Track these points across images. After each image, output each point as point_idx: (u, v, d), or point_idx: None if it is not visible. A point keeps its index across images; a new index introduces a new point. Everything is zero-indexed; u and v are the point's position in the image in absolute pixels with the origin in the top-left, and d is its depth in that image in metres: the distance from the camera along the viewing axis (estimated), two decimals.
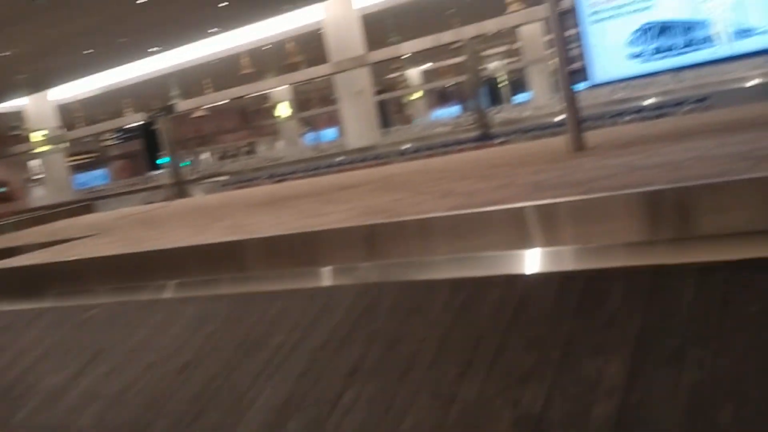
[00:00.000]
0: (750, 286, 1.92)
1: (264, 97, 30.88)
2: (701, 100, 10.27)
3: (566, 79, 4.29)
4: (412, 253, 2.80)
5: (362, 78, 18.45)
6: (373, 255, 2.90)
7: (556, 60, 4.31)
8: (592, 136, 5.37)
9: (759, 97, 10.97)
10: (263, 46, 23.35)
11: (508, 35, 27.45)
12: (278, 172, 15.51)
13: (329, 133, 36.71)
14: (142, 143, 30.53)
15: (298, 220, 3.65)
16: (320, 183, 6.81)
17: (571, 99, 4.31)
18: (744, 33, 3.75)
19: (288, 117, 31.42)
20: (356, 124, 18.89)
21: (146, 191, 19.76)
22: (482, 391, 2.01)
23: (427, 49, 16.51)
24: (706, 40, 3.85)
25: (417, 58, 32.57)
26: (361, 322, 2.50)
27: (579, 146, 4.40)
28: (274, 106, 31.26)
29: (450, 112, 37.43)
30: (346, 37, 18.70)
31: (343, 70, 16.87)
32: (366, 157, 13.83)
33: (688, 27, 3.87)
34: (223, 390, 2.52)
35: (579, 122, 4.42)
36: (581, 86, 4.36)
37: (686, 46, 3.90)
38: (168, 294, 3.46)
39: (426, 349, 2.25)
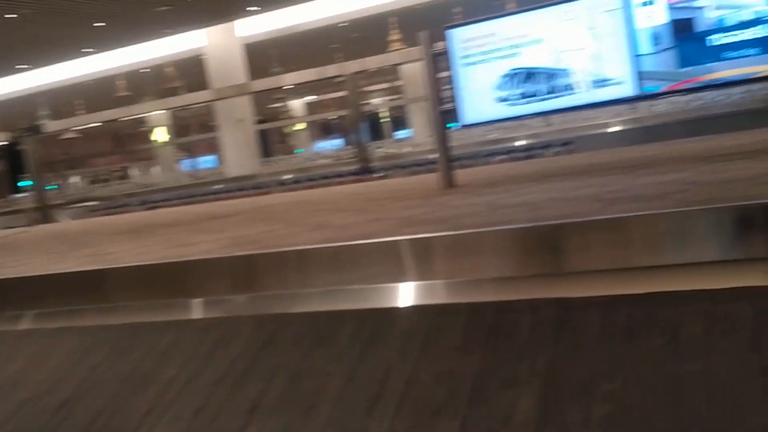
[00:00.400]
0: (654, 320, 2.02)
1: (141, 121, 29.92)
2: (567, 143, 10.89)
3: (438, 119, 4.44)
4: (289, 284, 2.78)
5: (244, 106, 18.29)
6: (247, 286, 2.86)
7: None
8: (463, 175, 5.57)
9: (619, 142, 11.77)
10: (141, 69, 22.69)
11: (391, 73, 28.08)
12: (152, 199, 15.00)
13: (208, 161, 35.98)
14: (5, 164, 28.68)
15: (164, 250, 3.54)
16: (194, 211, 6.65)
17: (442, 138, 4.46)
18: (601, 83, 4.02)
19: (165, 142, 30.56)
20: (236, 152, 18.65)
21: (6, 215, 18.54)
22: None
23: (311, 82, 16.63)
24: (568, 88, 4.10)
25: (300, 90, 32.69)
26: (261, 355, 2.44)
27: (449, 184, 4.55)
28: (151, 131, 30.33)
29: (332, 144, 37.66)
30: (227, 65, 18.52)
31: (224, 98, 16.65)
32: (245, 186, 13.64)
33: (551, 75, 4.11)
34: (108, 429, 2.37)
35: (449, 161, 4.57)
36: (455, 125, 4.52)
37: (549, 92, 4.14)
38: (24, 325, 3.24)
39: (332, 383, 2.21)
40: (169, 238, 4.08)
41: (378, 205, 4.19)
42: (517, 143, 13.35)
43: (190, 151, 39.72)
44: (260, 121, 27.17)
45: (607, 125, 13.91)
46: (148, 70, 22.83)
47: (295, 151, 35.71)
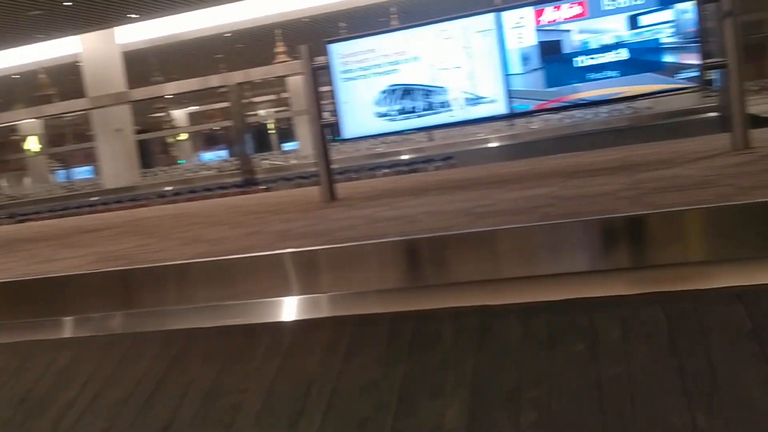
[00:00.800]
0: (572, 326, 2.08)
1: (10, 129, 28.23)
2: (448, 158, 11.18)
3: (318, 132, 4.44)
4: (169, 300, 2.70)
5: (123, 116, 17.62)
6: (126, 302, 2.76)
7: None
8: (347, 188, 5.60)
9: (497, 157, 12.19)
10: (12, 74, 21.44)
11: (278, 84, 27.93)
12: (21, 212, 14.15)
13: (84, 172, 34.38)
14: None
15: (26, 266, 3.35)
16: (65, 225, 6.33)
17: (323, 152, 4.47)
18: (475, 101, 4.16)
19: (37, 152, 28.96)
20: (114, 163, 17.94)
21: None
22: None
23: (194, 91, 16.21)
24: (444, 105, 4.21)
25: (184, 100, 31.90)
26: (171, 373, 2.34)
27: (331, 197, 4.56)
28: (23, 140, 28.66)
29: (216, 155, 36.93)
30: (106, 73, 17.81)
31: (101, 106, 15.97)
32: (122, 198, 13.13)
33: (428, 92, 4.21)
34: None
35: (331, 174, 4.58)
36: (340, 138, 4.53)
37: (427, 108, 4.23)
38: None
39: (250, 399, 2.15)
40: (33, 253, 3.85)
41: (257, 218, 4.14)
42: (401, 157, 13.58)
43: (66, 161, 37.85)
44: (140, 131, 26.27)
45: (486, 141, 14.40)
46: (19, 76, 21.60)
47: (178, 162, 34.73)
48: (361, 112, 4.33)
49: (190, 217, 5.04)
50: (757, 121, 8.12)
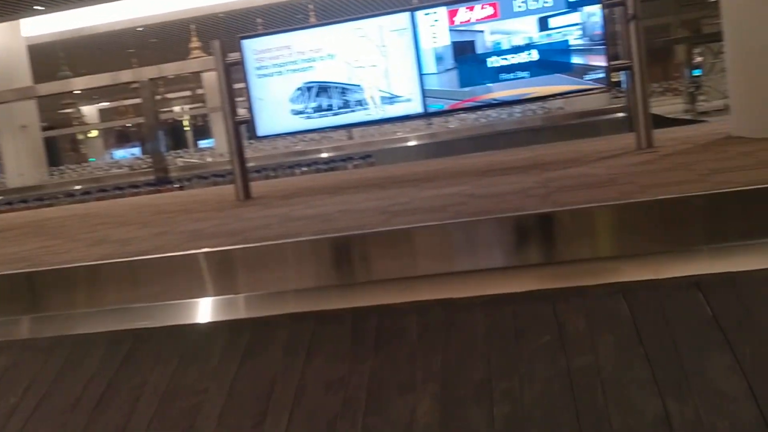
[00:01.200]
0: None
1: None
2: (367, 156, 11.19)
3: (233, 129, 4.36)
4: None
5: (28, 111, 16.84)
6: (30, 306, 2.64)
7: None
8: (263, 186, 5.53)
9: (415, 156, 12.30)
10: None
11: (193, 80, 27.30)
12: None
13: None
14: None
15: None
16: None
17: (238, 150, 4.39)
18: (390, 99, 4.17)
19: None
20: (18, 161, 17.09)
21: None
22: None
23: (105, 87, 15.68)
24: (360, 103, 4.21)
25: (94, 96, 30.79)
26: (122, 374, 2.23)
27: (246, 195, 4.49)
28: None
29: (129, 153, 35.82)
30: (9, 66, 16.95)
31: (5, 102, 15.20)
32: (27, 198, 12.54)
33: (344, 90, 4.19)
34: None
35: (246, 172, 4.51)
36: (258, 136, 4.45)
37: (343, 107, 4.22)
38: None
39: (210, 400, 2.06)
40: None
41: (168, 218, 4.03)
42: (320, 156, 13.51)
43: None
44: (48, 128, 25.19)
45: (405, 140, 14.49)
46: None
47: (88, 160, 33.50)
48: (276, 109, 4.27)
49: (98, 217, 4.86)
50: (662, 122, 8.50)
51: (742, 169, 2.65)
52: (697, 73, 17.04)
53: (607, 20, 3.93)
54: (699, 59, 18.05)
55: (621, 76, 4.80)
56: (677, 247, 2.25)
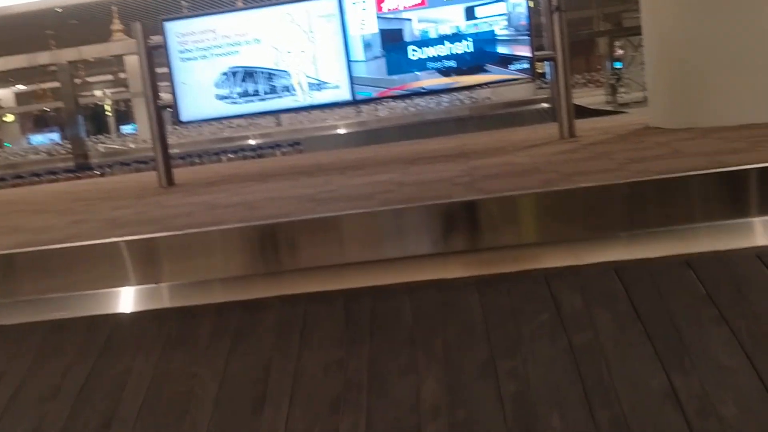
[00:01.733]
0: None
1: None
2: (296, 143, 11.10)
3: (155, 114, 4.24)
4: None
5: None
6: None
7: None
8: (187, 173, 5.41)
9: (345, 143, 12.28)
10: None
11: (115, 64, 26.42)
12: None
13: None
14: None
15: None
16: None
17: (160, 135, 4.27)
18: (318, 86, 4.13)
19: None
20: None
21: None
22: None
23: (22, 69, 14.98)
24: (287, 89, 4.15)
25: (9, 78, 29.46)
26: (102, 362, 2.14)
27: (169, 182, 4.37)
28: None
29: (48, 138, 34.47)
30: None
31: None
32: None
33: (270, 75, 4.13)
34: None
35: (169, 159, 4.39)
36: (181, 121, 4.32)
37: (269, 92, 4.15)
38: None
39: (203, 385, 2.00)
40: None
41: (86, 205, 3.89)
42: (248, 142, 13.32)
43: None
44: None
45: (334, 127, 14.44)
46: None
47: (3, 145, 32.09)
48: (200, 94, 4.18)
49: (12, 204, 4.66)
50: (585, 112, 8.73)
51: (659, 158, 2.74)
52: (618, 65, 17.57)
53: (532, 11, 3.99)
54: (620, 52, 18.62)
55: (546, 68, 4.89)
56: (597, 233, 2.31)
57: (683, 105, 3.71)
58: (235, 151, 11.35)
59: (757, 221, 2.25)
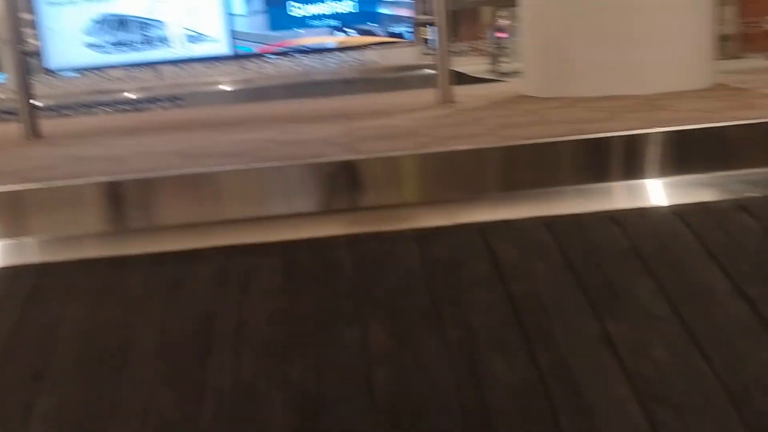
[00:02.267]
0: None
1: None
2: (177, 99, 10.71)
3: (19, 62, 3.97)
4: None
5: None
6: None
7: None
8: (57, 125, 5.12)
9: (229, 100, 11.97)
10: None
11: None
12: None
13: None
14: None
15: None
16: None
17: (24, 84, 4.01)
18: (196, 39, 4.00)
19: None
20: None
21: None
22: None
23: None
24: (162, 40, 3.99)
25: None
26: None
27: (34, 134, 4.13)
28: None
29: None
30: None
31: None
32: None
33: (144, 25, 3.96)
34: None
35: (32, 108, 4.13)
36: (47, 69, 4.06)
37: (144, 43, 3.98)
38: None
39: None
40: None
41: None
42: (125, 95, 12.73)
43: None
44: None
45: (218, 83, 14.03)
46: None
47: None
48: (68, 41, 3.95)
49: None
50: (467, 80, 8.91)
51: (527, 125, 2.85)
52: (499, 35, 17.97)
53: None
54: (506, 22, 19.06)
55: (430, 34, 4.95)
56: (467, 195, 2.39)
57: (554, 75, 3.87)
58: (111, 105, 10.85)
59: (615, 185, 2.41)
